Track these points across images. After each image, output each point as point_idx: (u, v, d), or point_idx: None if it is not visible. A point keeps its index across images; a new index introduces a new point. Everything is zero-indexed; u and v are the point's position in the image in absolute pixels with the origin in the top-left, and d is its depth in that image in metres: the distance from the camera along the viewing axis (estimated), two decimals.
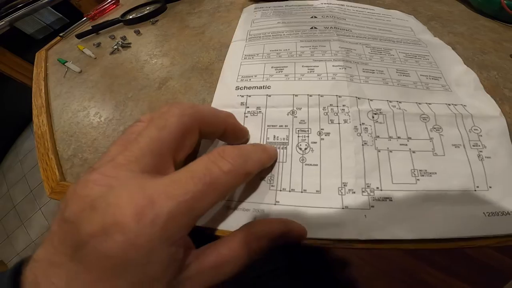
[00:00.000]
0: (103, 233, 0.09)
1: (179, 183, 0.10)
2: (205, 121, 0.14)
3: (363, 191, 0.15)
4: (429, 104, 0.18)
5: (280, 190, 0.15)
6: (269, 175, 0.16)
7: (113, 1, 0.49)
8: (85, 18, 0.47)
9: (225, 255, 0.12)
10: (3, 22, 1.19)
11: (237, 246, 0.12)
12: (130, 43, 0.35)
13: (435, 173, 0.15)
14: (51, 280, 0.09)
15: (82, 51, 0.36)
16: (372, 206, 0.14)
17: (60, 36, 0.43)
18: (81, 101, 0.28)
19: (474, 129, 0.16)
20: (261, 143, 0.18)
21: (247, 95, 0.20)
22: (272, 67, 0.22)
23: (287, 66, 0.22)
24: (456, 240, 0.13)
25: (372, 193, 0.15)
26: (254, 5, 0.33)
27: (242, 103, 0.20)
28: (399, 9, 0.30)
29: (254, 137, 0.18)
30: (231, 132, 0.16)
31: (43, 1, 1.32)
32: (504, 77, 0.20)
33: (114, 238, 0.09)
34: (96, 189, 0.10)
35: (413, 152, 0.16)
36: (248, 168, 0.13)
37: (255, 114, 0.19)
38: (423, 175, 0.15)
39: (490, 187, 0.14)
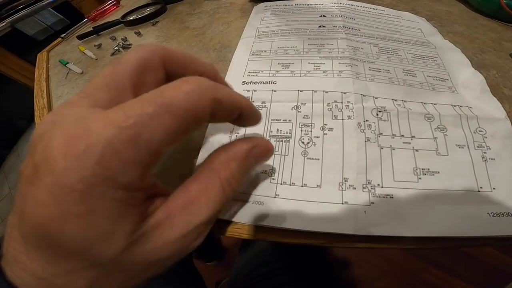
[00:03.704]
0: (34, 175, 0.08)
1: (123, 107, 0.08)
2: (172, 59, 0.12)
3: (363, 187, 0.15)
4: (435, 104, 0.18)
5: (281, 184, 0.16)
6: (271, 168, 0.16)
7: (114, 3, 0.49)
8: (85, 19, 0.47)
9: (194, 191, 0.10)
10: (4, 24, 1.20)
11: (205, 177, 0.11)
12: (131, 44, 0.35)
13: (438, 172, 0.15)
14: (12, 244, 0.09)
15: (84, 52, 0.36)
16: (372, 203, 0.14)
17: (61, 37, 0.43)
18: None
19: (479, 131, 0.16)
20: (263, 137, 0.18)
21: (253, 90, 0.21)
22: (278, 64, 0.23)
23: (293, 63, 0.22)
24: (458, 240, 0.13)
25: (373, 190, 0.15)
26: (264, 4, 0.34)
27: (247, 98, 0.20)
28: (398, 9, 0.30)
29: (258, 131, 0.18)
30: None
31: (44, 2, 1.33)
32: (504, 76, 0.20)
33: (43, 180, 0.07)
34: (40, 128, 0.09)
35: (416, 150, 0.16)
36: (217, 94, 0.10)
37: (259, 108, 0.19)
38: (425, 174, 0.15)
39: (494, 188, 0.14)
